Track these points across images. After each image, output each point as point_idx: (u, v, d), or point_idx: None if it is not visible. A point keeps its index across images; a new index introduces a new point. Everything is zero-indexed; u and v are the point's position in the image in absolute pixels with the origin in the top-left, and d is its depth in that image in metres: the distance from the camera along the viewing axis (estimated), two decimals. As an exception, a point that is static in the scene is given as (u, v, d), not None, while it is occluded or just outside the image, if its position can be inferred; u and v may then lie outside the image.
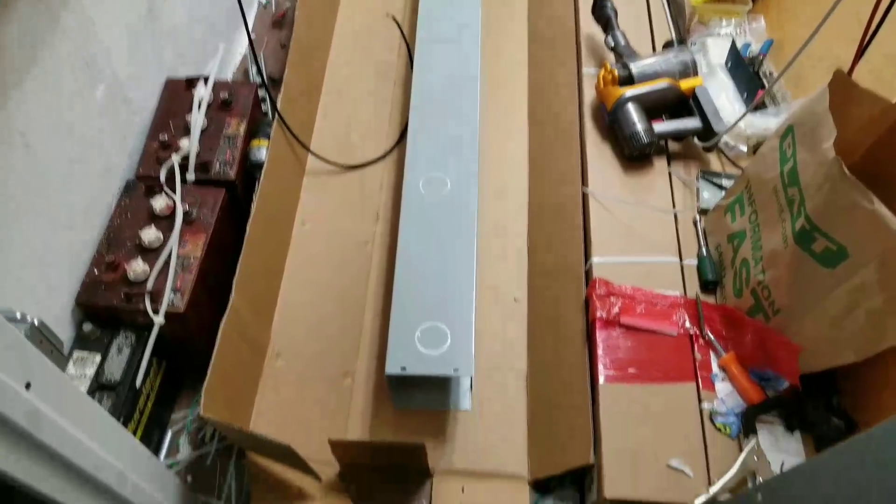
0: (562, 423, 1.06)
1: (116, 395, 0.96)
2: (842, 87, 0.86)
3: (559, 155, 1.36)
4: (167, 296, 0.99)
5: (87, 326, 1.00)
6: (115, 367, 0.98)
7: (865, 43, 0.88)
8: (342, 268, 1.28)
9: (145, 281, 1.01)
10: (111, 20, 1.07)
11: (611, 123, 1.30)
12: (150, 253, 1.04)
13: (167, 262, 1.03)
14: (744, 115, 1.18)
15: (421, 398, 1.15)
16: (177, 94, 1.24)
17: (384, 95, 1.54)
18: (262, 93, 1.38)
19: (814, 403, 0.97)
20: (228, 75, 1.54)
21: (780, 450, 0.97)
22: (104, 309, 1.00)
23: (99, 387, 0.96)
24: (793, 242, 0.90)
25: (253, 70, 1.53)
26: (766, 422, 0.99)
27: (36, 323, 0.77)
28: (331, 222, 1.32)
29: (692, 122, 1.27)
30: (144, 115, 1.19)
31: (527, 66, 1.58)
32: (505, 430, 1.12)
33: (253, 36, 1.67)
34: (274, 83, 1.59)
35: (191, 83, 1.24)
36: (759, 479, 0.92)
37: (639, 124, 1.24)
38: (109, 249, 1.04)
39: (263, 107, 1.35)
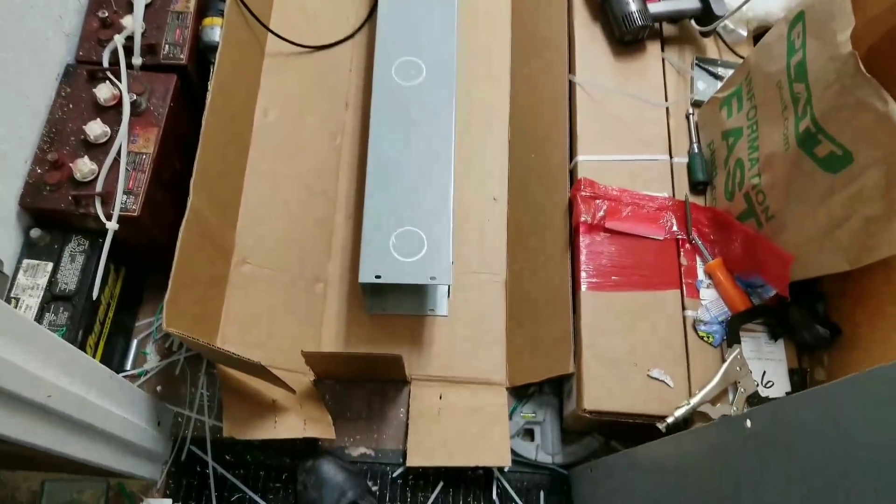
0: (541, 331, 1.04)
1: (73, 307, 0.90)
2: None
3: (544, 35, 1.25)
4: (119, 198, 0.91)
5: (36, 232, 0.92)
6: (70, 277, 0.91)
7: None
8: (310, 163, 1.19)
9: (94, 181, 0.92)
10: None
11: (602, 3, 1.18)
12: (97, 149, 0.94)
13: (117, 160, 0.93)
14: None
15: (396, 303, 1.11)
16: (115, -38, 1.09)
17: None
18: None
19: (799, 311, 0.95)
20: None
21: (763, 358, 0.96)
22: (51, 213, 0.92)
23: (53, 297, 0.90)
24: (795, 145, 0.84)
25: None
26: (750, 330, 0.97)
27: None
28: (296, 111, 1.22)
29: (690, 2, 1.16)
30: (80, -11, 1.05)
31: None
32: (483, 336, 1.10)
33: None
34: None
35: (129, -53, 1.09)
36: (741, 389, 0.92)
37: (633, 4, 1.13)
38: (52, 146, 0.94)
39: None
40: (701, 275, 1.01)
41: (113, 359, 1.03)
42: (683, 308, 0.99)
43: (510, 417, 1.04)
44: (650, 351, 0.95)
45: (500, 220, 1.19)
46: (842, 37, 0.75)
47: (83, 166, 0.91)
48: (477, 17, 1.34)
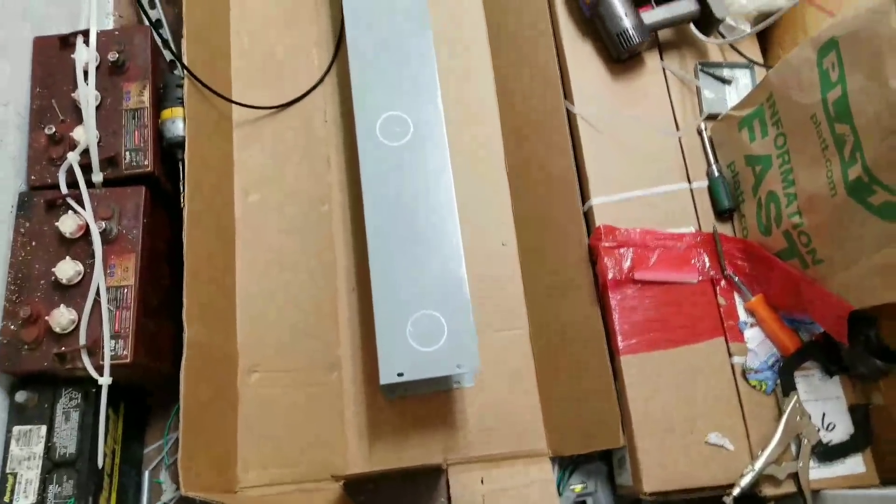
0: (581, 396, 0.97)
1: (77, 472, 0.82)
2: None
3: (530, 58, 1.15)
4: (107, 346, 0.83)
5: (22, 395, 0.83)
6: (68, 438, 0.83)
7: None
8: (302, 239, 1.10)
9: (76, 330, 0.83)
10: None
11: (591, 17, 1.08)
12: (72, 291, 0.85)
13: (97, 300, 0.84)
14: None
15: (417, 384, 1.04)
16: (51, 57, 0.97)
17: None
18: (162, 35, 1.10)
19: (853, 345, 0.88)
20: (109, 17, 1.22)
21: (820, 398, 0.90)
22: (35, 373, 0.83)
23: (54, 465, 0.82)
24: (843, 192, 0.76)
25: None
26: (802, 369, 0.91)
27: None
28: (278, 184, 1.12)
29: (687, 6, 1.06)
30: (19, 100, 0.94)
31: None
32: (516, 401, 1.04)
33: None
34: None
35: (65, 41, 0.97)
36: (804, 440, 0.86)
37: (626, 19, 1.03)
38: (21, 296, 0.85)
39: (166, 53, 1.08)
40: (742, 314, 0.94)
41: (127, 499, 0.95)
42: (730, 355, 0.92)
43: (559, 493, 0.98)
44: (703, 412, 0.89)
45: (513, 268, 1.12)
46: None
47: (61, 317, 0.82)
48: (452, 47, 1.23)
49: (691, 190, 1.01)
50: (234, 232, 1.05)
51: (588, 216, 1.00)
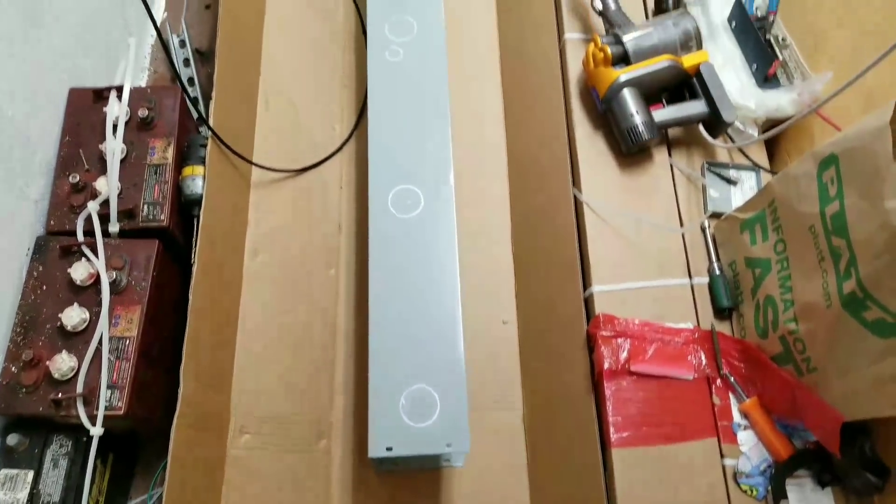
0: (570, 485, 0.96)
1: (58, 522, 0.82)
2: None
3: (544, 143, 1.19)
4: (103, 396, 0.83)
5: (13, 438, 0.84)
6: (53, 486, 0.83)
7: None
8: (306, 302, 1.11)
9: (74, 378, 0.84)
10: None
11: (604, 112, 1.12)
12: (75, 338, 0.87)
13: (99, 348, 0.86)
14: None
15: (407, 460, 1.03)
16: (84, 110, 1.02)
17: (332, 67, 1.32)
18: (191, 93, 1.15)
19: (845, 457, 0.88)
20: (145, 72, 1.28)
21: (811, 508, 0.89)
22: (29, 417, 0.84)
23: (36, 512, 0.82)
24: (838, 304, 0.77)
25: (178, 60, 1.27)
26: (795, 477, 0.90)
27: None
28: (287, 246, 1.14)
29: (697, 108, 1.10)
30: (47, 148, 0.98)
31: (496, 31, 1.35)
32: (503, 486, 1.03)
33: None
34: (202, 56, 1.35)
35: (99, 95, 1.02)
36: (792, 551, 0.85)
37: (637, 116, 1.07)
38: (26, 339, 0.86)
39: (193, 112, 1.13)
40: (736, 416, 0.94)
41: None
42: (722, 456, 0.91)
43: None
44: (691, 512, 0.88)
45: (512, 347, 1.12)
46: (891, 204, 0.68)
47: (62, 363, 0.83)
48: (468, 126, 1.27)
49: (692, 285, 1.03)
50: (240, 290, 1.07)
51: (588, 302, 1.02)
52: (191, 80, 1.27)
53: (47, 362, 0.84)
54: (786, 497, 0.88)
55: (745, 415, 0.94)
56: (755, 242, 0.95)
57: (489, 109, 1.30)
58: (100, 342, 0.85)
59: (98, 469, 0.89)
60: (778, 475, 0.89)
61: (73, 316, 0.86)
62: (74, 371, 0.84)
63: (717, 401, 0.94)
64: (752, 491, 0.89)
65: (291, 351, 1.07)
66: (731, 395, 0.95)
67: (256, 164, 1.13)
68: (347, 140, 1.26)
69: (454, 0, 1.31)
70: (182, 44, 1.31)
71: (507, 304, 1.15)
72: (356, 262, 1.17)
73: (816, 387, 0.85)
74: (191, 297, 0.90)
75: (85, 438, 0.85)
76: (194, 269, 0.92)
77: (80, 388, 0.83)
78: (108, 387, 0.84)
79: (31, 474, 0.83)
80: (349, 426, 1.05)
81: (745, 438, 0.93)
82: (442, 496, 1.01)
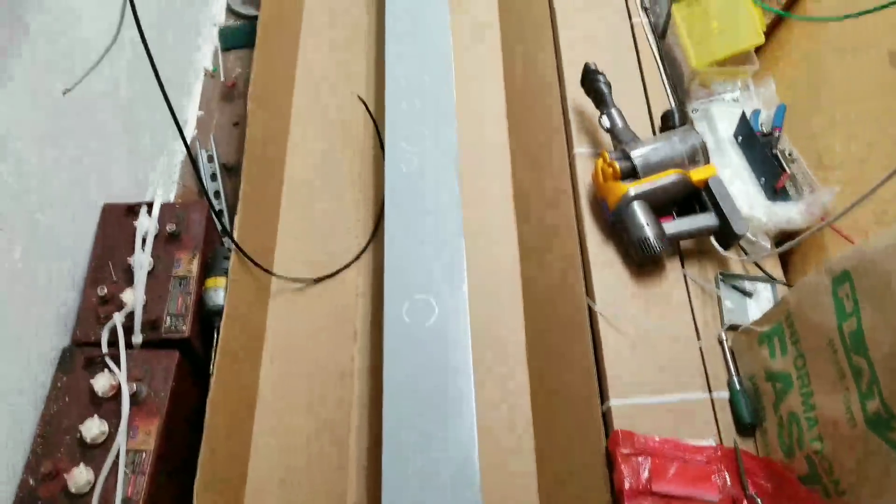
0: None
1: None
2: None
3: (556, 251, 1.21)
4: (117, 511, 0.83)
5: (23, 555, 0.82)
6: None
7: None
8: (320, 412, 1.11)
9: (90, 492, 0.84)
10: (29, 156, 0.89)
11: (614, 224, 1.15)
12: (93, 450, 0.87)
13: (115, 462, 0.86)
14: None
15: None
16: (116, 223, 1.06)
17: (351, 178, 1.37)
18: (217, 206, 1.20)
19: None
20: (174, 185, 1.34)
21: None
22: (43, 533, 0.83)
23: None
24: (863, 424, 0.76)
25: (205, 175, 1.33)
26: None
27: None
28: (303, 354, 1.15)
29: (707, 220, 1.12)
30: (79, 258, 1.01)
31: (508, 147, 1.41)
32: None
33: (201, 113, 1.49)
34: (227, 171, 1.41)
35: (131, 209, 1.06)
36: None
37: (648, 228, 1.09)
38: (45, 450, 0.87)
39: (218, 225, 1.17)
40: (763, 540, 0.91)
41: None
42: (749, 582, 0.88)
43: None
44: None
45: (528, 464, 1.10)
46: (911, 328, 0.69)
47: (79, 477, 0.83)
48: (482, 239, 1.29)
49: (712, 400, 1.02)
50: (255, 399, 1.07)
51: (606, 416, 1.01)
52: (217, 194, 1.32)
53: (65, 475, 0.83)
54: None
55: (772, 538, 0.91)
56: (774, 356, 0.95)
57: (500, 220, 1.33)
58: (117, 455, 0.85)
59: (106, 589, 0.86)
60: None
61: (93, 428, 0.86)
62: (91, 485, 0.84)
63: (743, 523, 0.92)
64: None
65: (304, 465, 1.06)
66: (757, 517, 0.92)
67: (276, 275, 1.16)
68: (364, 250, 1.29)
69: (466, 112, 1.37)
70: (210, 159, 1.37)
71: (522, 420, 1.13)
72: (371, 371, 1.17)
73: (846, 509, 0.82)
74: (207, 412, 0.90)
75: (96, 556, 0.83)
76: (212, 381, 0.93)
77: (95, 500, 0.82)
78: (123, 501, 0.83)
79: None
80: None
81: (774, 562, 0.89)
82: None
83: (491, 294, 1.22)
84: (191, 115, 1.46)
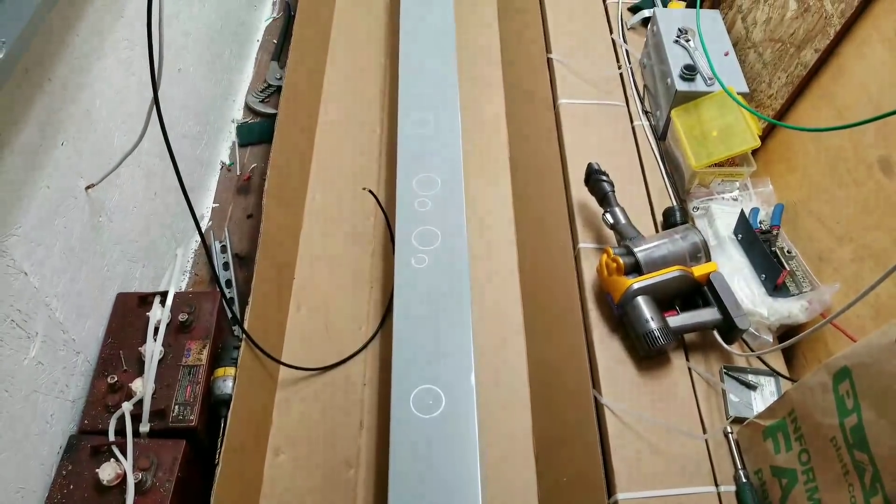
0: None
1: None
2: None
3: (560, 344, 1.22)
4: None
5: None
6: None
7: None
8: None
9: (88, 586, 0.83)
10: (46, 256, 0.92)
11: (619, 317, 1.17)
12: (95, 542, 0.86)
13: (115, 557, 0.85)
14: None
15: None
16: (129, 312, 1.09)
17: (360, 270, 1.40)
18: (228, 293, 1.23)
19: None
20: (187, 274, 1.38)
21: None
22: None
23: None
24: (869, 522, 0.75)
25: (218, 264, 1.37)
26: None
27: None
28: (308, 445, 1.15)
29: (710, 315, 1.14)
30: (90, 349, 1.03)
31: (515, 243, 1.45)
32: None
33: (216, 205, 1.55)
34: (240, 260, 1.45)
35: (144, 299, 1.09)
36: None
37: (652, 322, 1.11)
38: (45, 541, 0.86)
39: (229, 313, 1.20)
40: None
41: None
42: None
43: None
44: None
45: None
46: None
47: (77, 570, 0.82)
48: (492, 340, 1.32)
49: (719, 494, 1.01)
50: (260, 491, 1.06)
51: (613, 511, 1.00)
52: (228, 282, 1.35)
53: (64, 569, 0.83)
54: None
55: None
56: (779, 451, 0.95)
57: (508, 315, 1.35)
58: (118, 548, 0.85)
59: None
60: None
61: (95, 519, 0.86)
62: (89, 579, 0.83)
63: None
64: None
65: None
66: None
67: (285, 364, 1.17)
68: (371, 339, 1.30)
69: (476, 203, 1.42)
70: (223, 249, 1.41)
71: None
72: (376, 463, 1.16)
73: None
74: (212, 500, 0.90)
75: None
76: (218, 470, 0.93)
77: None
78: None
79: None
80: None
81: None
82: None
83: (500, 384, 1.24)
84: (206, 208, 1.51)
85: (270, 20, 2.00)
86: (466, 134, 1.40)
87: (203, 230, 1.47)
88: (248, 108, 1.76)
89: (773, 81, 1.36)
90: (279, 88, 1.70)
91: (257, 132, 1.69)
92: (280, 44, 1.90)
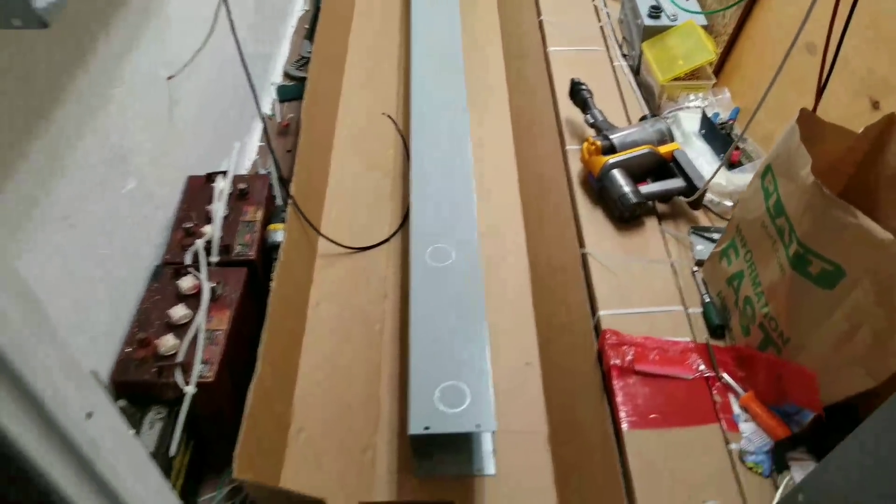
0: (591, 481, 1.07)
1: (149, 467, 0.97)
2: (808, 122, 0.96)
3: (554, 224, 1.45)
4: (197, 367, 1.03)
5: (122, 403, 1.02)
6: (149, 440, 0.99)
7: (822, 85, 0.99)
8: (356, 346, 1.32)
9: (175, 354, 1.04)
10: (140, 123, 1.17)
11: (599, 190, 1.39)
12: (179, 329, 1.08)
13: (195, 337, 1.07)
14: (720, 166, 1.28)
15: (444, 463, 1.16)
16: (198, 188, 1.32)
17: (384, 184, 1.64)
18: (274, 183, 1.47)
19: (839, 435, 0.98)
20: (243, 171, 1.64)
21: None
22: (137, 384, 1.03)
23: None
24: (790, 268, 0.96)
25: (269, 164, 1.62)
26: (797, 458, 1.00)
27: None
28: (342, 303, 1.38)
29: (676, 183, 1.37)
30: (168, 210, 1.27)
31: (514, 150, 1.70)
32: (533, 496, 1.13)
33: (262, 144, 1.80)
34: (283, 183, 1.70)
35: (210, 178, 1.33)
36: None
37: (626, 187, 1.33)
38: (140, 329, 1.08)
39: (277, 199, 1.44)
40: (737, 409, 1.06)
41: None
42: (727, 441, 1.03)
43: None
44: (702, 486, 0.97)
45: (535, 382, 1.28)
46: (804, 171, 0.91)
47: (167, 342, 1.04)
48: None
49: (687, 313, 1.21)
50: (303, 327, 1.29)
51: (597, 328, 1.20)
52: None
53: (155, 342, 1.05)
54: (788, 468, 0.98)
55: (744, 408, 1.06)
56: (731, 263, 1.15)
57: (508, 200, 1.58)
58: (197, 330, 1.07)
59: (182, 444, 1.04)
60: (778, 449, 0.99)
61: (179, 311, 1.08)
62: (176, 349, 1.04)
63: (717, 399, 1.08)
64: (757, 468, 0.99)
65: (344, 379, 1.26)
66: (730, 395, 1.08)
67: (323, 235, 1.41)
68: (395, 233, 1.53)
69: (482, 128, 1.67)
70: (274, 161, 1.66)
71: (529, 349, 1.32)
72: (398, 319, 1.38)
73: (794, 358, 1.00)
74: (269, 304, 1.13)
75: (177, 408, 1.02)
76: (272, 285, 1.16)
77: (180, 358, 1.03)
78: (202, 362, 1.04)
79: (132, 432, 0.99)
80: (393, 443, 1.19)
81: (747, 428, 1.04)
82: (474, 501, 1.11)
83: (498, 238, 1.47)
84: (255, 143, 1.78)
85: (302, 12, 2.30)
86: (471, 82, 1.67)
87: (251, 161, 1.72)
88: (286, 75, 2.04)
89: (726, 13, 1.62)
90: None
91: (293, 91, 1.96)
92: (311, 27, 2.20)
